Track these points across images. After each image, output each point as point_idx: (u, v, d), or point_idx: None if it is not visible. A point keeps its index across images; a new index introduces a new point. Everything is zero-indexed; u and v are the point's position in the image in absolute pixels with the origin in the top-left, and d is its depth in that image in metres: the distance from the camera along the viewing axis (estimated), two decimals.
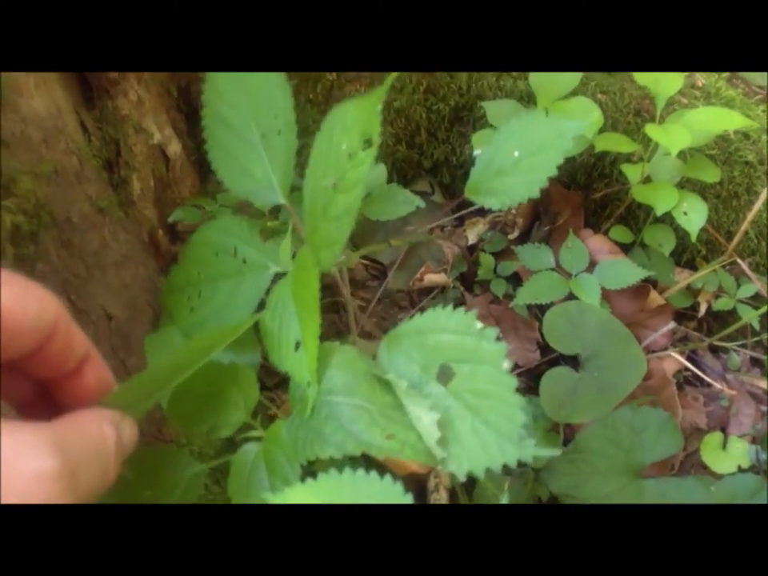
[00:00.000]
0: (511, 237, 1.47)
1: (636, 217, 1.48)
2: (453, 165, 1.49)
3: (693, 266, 1.49)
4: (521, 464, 1.27)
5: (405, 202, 1.22)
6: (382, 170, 1.25)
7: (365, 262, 1.47)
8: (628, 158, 1.41)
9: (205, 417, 0.85)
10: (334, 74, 1.38)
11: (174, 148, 1.31)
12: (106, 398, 0.67)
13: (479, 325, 0.70)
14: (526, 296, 1.29)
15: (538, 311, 1.39)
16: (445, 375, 0.69)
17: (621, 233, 1.43)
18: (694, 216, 1.27)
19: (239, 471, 0.82)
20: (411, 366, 0.72)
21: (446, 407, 0.69)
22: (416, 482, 1.15)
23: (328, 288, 1.36)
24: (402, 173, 1.49)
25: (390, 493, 0.73)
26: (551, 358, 1.36)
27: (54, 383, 0.64)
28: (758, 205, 1.28)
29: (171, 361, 0.75)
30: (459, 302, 1.43)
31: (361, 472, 0.72)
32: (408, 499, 0.67)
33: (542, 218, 1.49)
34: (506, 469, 1.15)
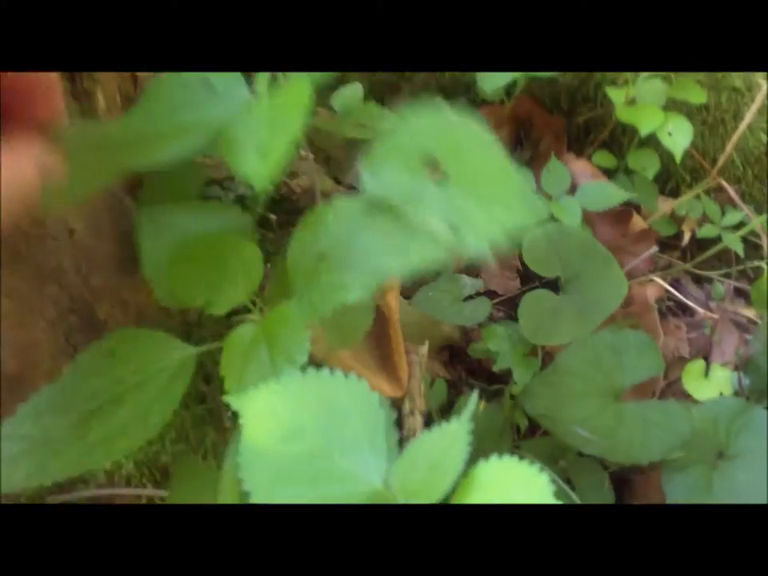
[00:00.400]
0: None
1: (620, 143, 1.45)
2: (434, 88, 1.46)
3: (677, 195, 1.46)
4: (497, 389, 1.26)
5: (382, 118, 1.18)
6: (357, 89, 1.21)
7: (341, 188, 1.42)
8: (613, 81, 1.37)
9: (199, 289, 0.81)
10: None
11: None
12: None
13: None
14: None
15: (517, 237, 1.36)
16: (436, 172, 0.65)
17: (604, 158, 1.39)
18: (678, 137, 1.24)
19: (234, 352, 0.77)
20: (400, 177, 0.67)
21: (447, 203, 0.64)
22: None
23: (302, 212, 1.33)
24: (381, 96, 1.46)
25: (359, 396, 0.70)
26: (533, 287, 1.32)
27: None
28: (743, 127, 1.24)
29: None
30: None
31: (326, 372, 0.69)
32: (378, 405, 0.64)
33: (523, 143, 1.46)
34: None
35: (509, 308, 1.35)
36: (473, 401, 0.65)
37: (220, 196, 1.27)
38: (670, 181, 1.46)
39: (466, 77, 1.28)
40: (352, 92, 1.21)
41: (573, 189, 1.29)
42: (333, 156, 1.40)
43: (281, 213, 1.33)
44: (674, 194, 1.47)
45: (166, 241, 0.92)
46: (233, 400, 0.71)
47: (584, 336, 1.12)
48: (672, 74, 1.35)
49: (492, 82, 1.20)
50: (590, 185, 1.28)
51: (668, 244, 1.45)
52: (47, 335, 0.87)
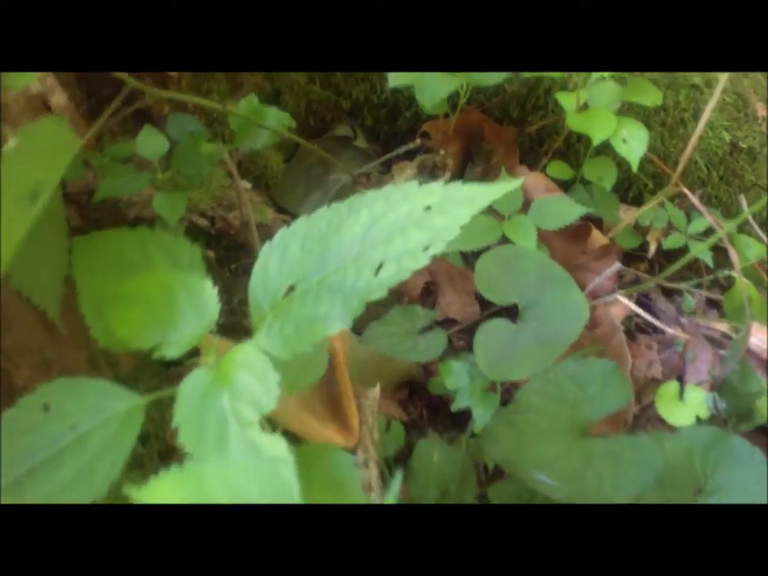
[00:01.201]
0: (443, 180, 1.32)
1: (576, 151, 1.37)
2: (374, 104, 1.39)
3: (640, 203, 1.38)
4: (455, 430, 1.18)
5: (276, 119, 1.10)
6: (252, 99, 1.13)
7: (284, 217, 1.34)
8: (564, 86, 1.29)
9: (147, 329, 0.74)
10: None
11: (58, 99, 1.17)
12: None
13: None
14: (456, 243, 1.16)
15: (475, 260, 1.27)
16: None
17: (559, 169, 1.31)
18: (634, 143, 1.16)
19: (190, 400, 0.68)
20: None
21: None
22: None
23: (243, 247, 1.24)
24: (318, 116, 1.39)
25: (274, 485, 0.61)
26: (492, 312, 1.23)
27: None
28: (701, 126, 1.16)
29: None
30: None
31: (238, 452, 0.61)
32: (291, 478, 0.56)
33: (474, 158, 1.38)
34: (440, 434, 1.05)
35: (469, 336, 1.26)
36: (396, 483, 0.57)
37: None
38: (631, 188, 1.39)
39: (412, 94, 1.20)
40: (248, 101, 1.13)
41: (526, 205, 1.20)
42: (271, 182, 1.32)
43: (219, 249, 1.24)
44: (637, 201, 1.39)
45: (106, 272, 0.84)
46: (133, 492, 0.62)
47: (545, 368, 1.04)
48: (626, 75, 1.27)
49: (429, 96, 1.12)
50: (543, 201, 1.19)
51: (633, 256, 1.37)
52: None
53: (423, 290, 1.29)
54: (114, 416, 0.72)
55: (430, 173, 1.35)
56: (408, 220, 0.70)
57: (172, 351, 0.74)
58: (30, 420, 0.71)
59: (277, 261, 0.73)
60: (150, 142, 1.02)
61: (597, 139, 1.14)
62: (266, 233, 1.24)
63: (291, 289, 0.71)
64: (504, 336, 1.07)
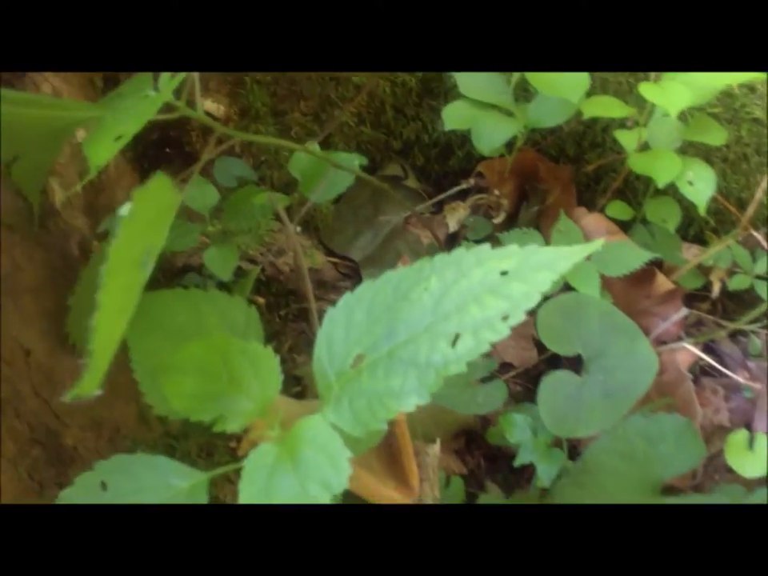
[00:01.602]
0: (496, 221, 1.31)
1: (635, 189, 1.31)
2: (425, 144, 1.34)
3: (701, 241, 1.33)
4: (523, 484, 1.13)
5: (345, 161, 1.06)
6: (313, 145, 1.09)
7: (333, 260, 1.31)
8: (622, 123, 1.24)
9: (203, 401, 0.71)
10: None
11: None
12: None
13: None
14: None
15: None
16: None
17: (619, 209, 1.26)
18: (700, 185, 1.11)
19: (255, 477, 0.66)
20: None
21: None
22: None
23: (293, 293, 1.21)
24: (368, 157, 1.31)
25: None
26: (550, 357, 1.21)
27: None
28: None
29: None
30: None
31: None
32: None
33: (529, 198, 1.33)
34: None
35: (526, 381, 1.23)
36: None
37: (198, 283, 1.15)
38: (692, 226, 1.33)
39: (465, 133, 1.16)
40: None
41: None
42: (321, 224, 1.28)
43: (269, 295, 1.20)
44: (699, 239, 1.33)
45: (159, 336, 0.81)
46: None
47: (613, 424, 0.99)
48: (687, 112, 1.22)
49: (487, 141, 1.08)
50: (607, 246, 1.14)
51: (696, 296, 1.31)
52: (7, 474, 0.75)
53: None
54: (176, 495, 0.69)
55: (484, 213, 1.30)
56: (482, 287, 0.65)
57: (233, 425, 0.71)
58: (87, 499, 0.68)
59: (342, 327, 0.69)
60: (200, 194, 0.99)
61: (661, 182, 1.10)
62: (317, 277, 1.21)
63: (359, 358, 0.67)
64: (569, 389, 1.03)
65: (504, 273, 0.65)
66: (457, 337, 0.63)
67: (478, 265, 0.67)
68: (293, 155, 1.04)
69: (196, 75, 0.73)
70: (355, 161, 1.07)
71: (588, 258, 1.12)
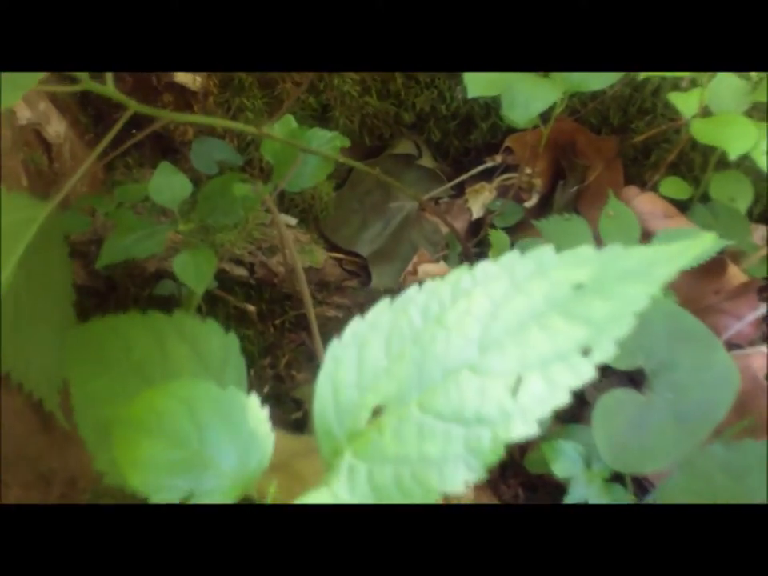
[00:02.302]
0: (528, 204, 1.14)
1: (690, 162, 1.12)
2: (442, 115, 1.17)
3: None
4: None
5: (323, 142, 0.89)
6: (288, 121, 0.91)
7: (337, 255, 1.15)
8: (675, 85, 1.04)
9: (172, 474, 0.53)
10: None
11: (55, 128, 0.96)
12: None
13: None
14: None
15: None
16: None
17: (675, 186, 1.07)
18: None
19: None
20: None
21: None
22: None
23: (289, 298, 1.04)
24: (375, 132, 1.17)
25: None
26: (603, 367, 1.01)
27: None
28: None
29: None
30: None
31: None
32: None
33: (566, 176, 1.15)
34: None
35: (576, 398, 1.03)
36: None
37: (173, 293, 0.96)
38: (757, 203, 1.13)
39: (490, 102, 0.98)
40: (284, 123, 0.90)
41: (644, 238, 0.96)
42: (321, 214, 1.10)
43: (261, 302, 1.06)
44: (766, 219, 1.13)
45: (107, 377, 0.65)
46: None
47: (687, 456, 0.80)
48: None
49: (522, 110, 0.88)
50: (668, 233, 0.95)
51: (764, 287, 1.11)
52: None
53: None
54: None
55: (514, 196, 1.11)
56: (549, 306, 0.48)
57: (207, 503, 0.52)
58: None
59: (352, 368, 0.52)
60: (168, 185, 0.79)
61: (735, 153, 0.90)
62: (317, 278, 1.04)
63: (377, 411, 0.49)
64: (631, 412, 0.84)
65: (578, 286, 0.47)
66: (518, 379, 0.46)
67: (539, 275, 0.50)
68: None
69: None
70: (335, 141, 0.90)
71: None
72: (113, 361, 0.64)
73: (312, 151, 0.87)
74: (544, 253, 0.49)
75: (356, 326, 0.52)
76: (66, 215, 0.86)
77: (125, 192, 0.87)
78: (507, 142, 1.11)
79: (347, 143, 0.90)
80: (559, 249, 0.99)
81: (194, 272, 0.76)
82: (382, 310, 0.52)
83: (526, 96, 0.88)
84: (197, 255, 0.78)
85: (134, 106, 0.71)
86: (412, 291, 0.51)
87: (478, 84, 0.92)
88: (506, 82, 0.91)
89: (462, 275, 0.50)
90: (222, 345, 0.63)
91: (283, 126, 0.89)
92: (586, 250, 0.49)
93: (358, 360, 0.51)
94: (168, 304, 0.98)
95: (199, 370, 0.65)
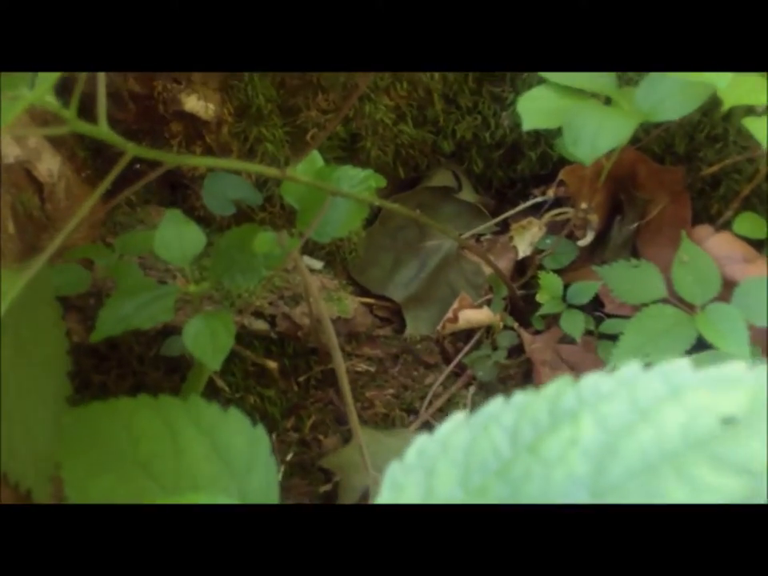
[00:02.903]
0: (583, 243, 1.02)
1: (763, 195, 0.99)
2: (485, 144, 1.06)
3: None
4: None
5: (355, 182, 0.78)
6: (314, 159, 0.80)
7: (367, 300, 1.03)
8: (750, 109, 0.92)
9: None
10: None
11: (48, 165, 0.84)
12: None
13: None
14: (628, 351, 0.81)
15: None
16: None
17: (750, 223, 0.95)
18: None
19: None
20: None
21: None
22: None
23: (315, 353, 0.95)
24: (409, 163, 1.06)
25: None
26: None
27: None
28: None
29: None
30: (516, 348, 1.00)
31: None
32: None
33: (624, 210, 1.03)
34: None
35: None
36: None
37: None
38: None
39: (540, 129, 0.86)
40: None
41: (725, 287, 0.84)
42: (349, 255, 0.99)
43: (284, 358, 0.95)
44: None
45: (107, 476, 0.57)
46: None
47: None
48: None
49: (590, 147, 0.75)
50: (752, 283, 0.82)
51: None
52: None
53: None
54: None
55: (566, 233, 1.00)
56: (688, 444, 0.36)
57: None
58: None
59: (416, 500, 0.41)
60: (177, 238, 0.67)
61: None
62: (347, 328, 0.95)
63: None
64: None
65: (727, 419, 0.35)
66: None
67: (672, 399, 0.39)
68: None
69: (101, 75, 0.62)
70: (369, 181, 0.78)
71: (727, 299, 0.81)
72: (116, 456, 0.56)
73: (343, 194, 0.75)
74: (677, 369, 0.37)
75: (423, 445, 0.40)
76: (58, 270, 0.74)
77: (126, 243, 0.75)
78: (562, 175, 0.99)
79: (383, 183, 0.78)
80: (624, 298, 0.87)
81: (210, 344, 0.64)
82: (456, 427, 0.40)
83: (593, 130, 0.76)
84: (212, 322, 0.66)
85: (131, 149, 0.60)
86: (496, 406, 0.40)
87: (533, 115, 0.80)
88: (567, 112, 0.79)
89: (563, 390, 0.39)
90: (248, 442, 0.53)
91: (308, 165, 0.77)
92: (736, 367, 0.36)
93: (425, 491, 0.40)
94: (177, 367, 0.87)
95: (220, 472, 0.56)
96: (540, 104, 0.81)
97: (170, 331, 0.84)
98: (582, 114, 0.77)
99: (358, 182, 0.78)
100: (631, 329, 0.83)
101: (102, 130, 0.58)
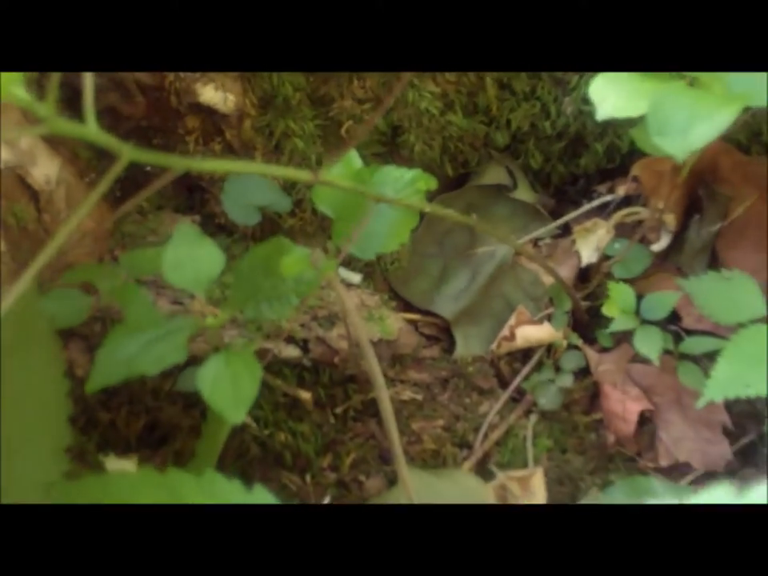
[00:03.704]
0: (657, 248, 0.92)
1: None
2: (545, 135, 0.98)
3: None
4: None
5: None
6: (351, 159, 0.70)
7: (412, 316, 0.94)
8: None
9: None
10: None
11: (45, 170, 0.76)
12: None
13: None
14: (724, 382, 0.70)
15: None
16: None
17: None
18: None
19: None
20: None
21: None
22: None
23: (354, 380, 0.87)
24: (458, 159, 0.98)
25: None
26: (744, 445, 0.88)
27: None
28: None
29: None
30: (581, 370, 0.91)
31: None
32: None
33: (704, 209, 0.93)
34: None
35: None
36: None
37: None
38: None
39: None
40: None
41: None
42: (391, 266, 0.90)
43: (318, 387, 0.85)
44: None
45: None
46: None
47: None
48: None
49: (683, 140, 0.64)
50: None
51: None
52: None
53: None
54: None
55: (634, 235, 0.91)
56: None
57: None
58: None
59: None
60: (189, 259, 0.56)
61: None
62: (389, 350, 0.87)
63: None
64: None
65: None
66: None
67: None
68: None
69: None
70: (417, 183, 0.68)
71: None
72: None
73: (388, 200, 0.63)
74: None
75: None
76: (52, 297, 0.63)
77: (133, 262, 0.65)
78: (635, 170, 0.89)
79: (434, 184, 0.68)
80: (717, 317, 0.76)
81: (231, 393, 0.54)
82: None
83: (686, 119, 0.64)
84: (234, 364, 0.55)
85: (127, 152, 0.49)
86: None
87: (609, 101, 0.68)
88: (651, 97, 0.67)
89: None
90: None
91: (344, 166, 0.66)
92: None
93: None
94: (198, 400, 0.76)
95: None
96: (617, 87, 0.71)
97: (188, 361, 0.74)
98: (670, 98, 0.65)
99: (405, 184, 0.68)
100: (727, 355, 0.71)
101: (90, 129, 0.47)
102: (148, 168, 0.80)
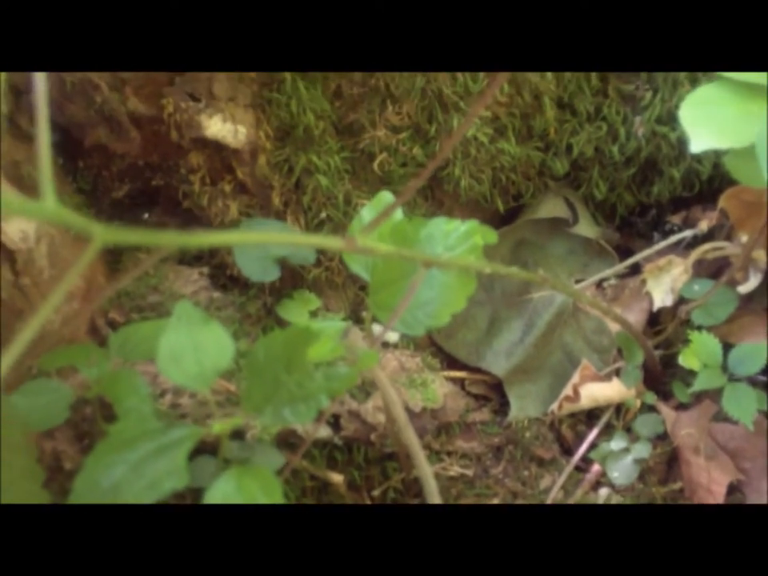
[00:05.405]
0: (745, 290, 0.82)
1: None
2: (611, 161, 0.88)
3: None
4: None
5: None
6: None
7: (458, 374, 0.85)
8: None
9: None
10: None
11: (21, 224, 0.68)
12: None
13: None
14: None
15: None
16: None
17: None
18: None
19: None
20: None
21: None
22: None
23: (389, 458, 0.77)
24: (509, 190, 0.88)
25: None
26: None
27: None
28: None
29: None
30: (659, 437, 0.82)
31: None
32: None
33: None
34: None
35: None
36: None
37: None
38: None
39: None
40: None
41: None
42: None
43: (352, 468, 0.75)
44: None
45: None
46: None
47: None
48: None
49: None
50: None
51: None
52: None
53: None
54: None
55: (717, 276, 0.81)
56: None
57: None
58: None
59: None
60: (188, 347, 0.45)
61: None
62: (435, 420, 0.76)
63: None
64: None
65: None
66: None
67: None
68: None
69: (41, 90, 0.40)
70: (473, 238, 0.58)
71: None
72: None
73: (437, 262, 0.51)
74: None
75: None
76: (25, 392, 0.51)
77: (125, 342, 0.53)
78: (723, 201, 0.77)
79: (494, 238, 0.57)
80: None
81: None
82: None
83: None
84: (248, 486, 0.44)
85: (99, 233, 0.37)
86: None
87: (705, 128, 0.57)
88: (758, 124, 0.55)
89: None
90: None
91: (377, 204, 0.56)
92: None
93: None
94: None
95: None
96: (712, 111, 0.60)
97: (198, 447, 0.63)
98: None
99: (458, 239, 0.57)
100: None
101: (47, 207, 0.35)
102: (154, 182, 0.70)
